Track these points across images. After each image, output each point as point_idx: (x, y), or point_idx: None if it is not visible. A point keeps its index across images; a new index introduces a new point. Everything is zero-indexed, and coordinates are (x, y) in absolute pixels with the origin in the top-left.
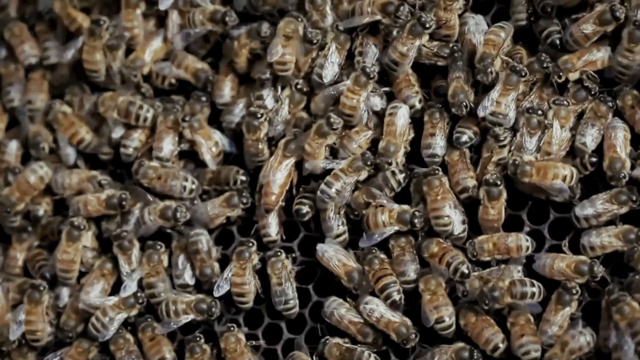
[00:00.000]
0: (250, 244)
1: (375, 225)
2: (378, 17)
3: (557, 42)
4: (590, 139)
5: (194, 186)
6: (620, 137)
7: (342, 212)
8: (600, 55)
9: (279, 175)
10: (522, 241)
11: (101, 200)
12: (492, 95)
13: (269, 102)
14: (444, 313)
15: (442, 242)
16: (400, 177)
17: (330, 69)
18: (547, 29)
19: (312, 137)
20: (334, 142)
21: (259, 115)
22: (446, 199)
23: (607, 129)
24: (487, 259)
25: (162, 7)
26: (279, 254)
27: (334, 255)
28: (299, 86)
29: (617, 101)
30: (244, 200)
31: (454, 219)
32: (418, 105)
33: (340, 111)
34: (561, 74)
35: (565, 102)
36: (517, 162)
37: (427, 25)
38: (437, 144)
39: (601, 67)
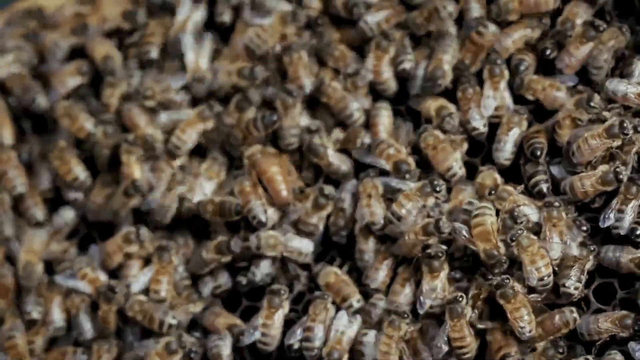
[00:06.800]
0: None
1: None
2: (388, 168)
3: (545, 190)
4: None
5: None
6: None
7: None
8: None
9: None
10: None
11: None
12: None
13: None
14: None
15: (338, 274)
16: None
17: None
18: (534, 178)
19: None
20: None
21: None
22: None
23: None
24: None
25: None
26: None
27: None
28: None
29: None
30: None
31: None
32: None
33: (392, 211)
34: None
35: (556, 203)
36: (507, 281)
37: (438, 189)
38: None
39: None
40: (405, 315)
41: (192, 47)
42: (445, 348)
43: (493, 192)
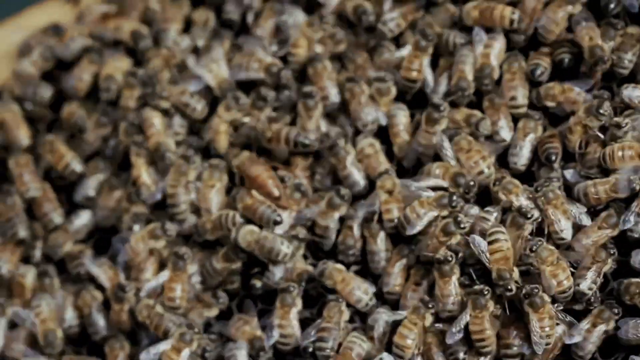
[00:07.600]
0: None
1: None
2: (445, 184)
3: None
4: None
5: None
6: None
7: None
8: None
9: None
10: None
11: None
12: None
13: None
14: None
15: (342, 270)
16: None
17: None
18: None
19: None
20: None
21: None
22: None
23: None
24: None
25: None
26: None
27: None
28: None
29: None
30: None
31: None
32: None
33: (405, 214)
34: None
35: (546, 183)
36: (536, 290)
37: (454, 205)
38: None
39: None
40: (431, 306)
41: (201, 65)
42: (460, 335)
43: (498, 182)
